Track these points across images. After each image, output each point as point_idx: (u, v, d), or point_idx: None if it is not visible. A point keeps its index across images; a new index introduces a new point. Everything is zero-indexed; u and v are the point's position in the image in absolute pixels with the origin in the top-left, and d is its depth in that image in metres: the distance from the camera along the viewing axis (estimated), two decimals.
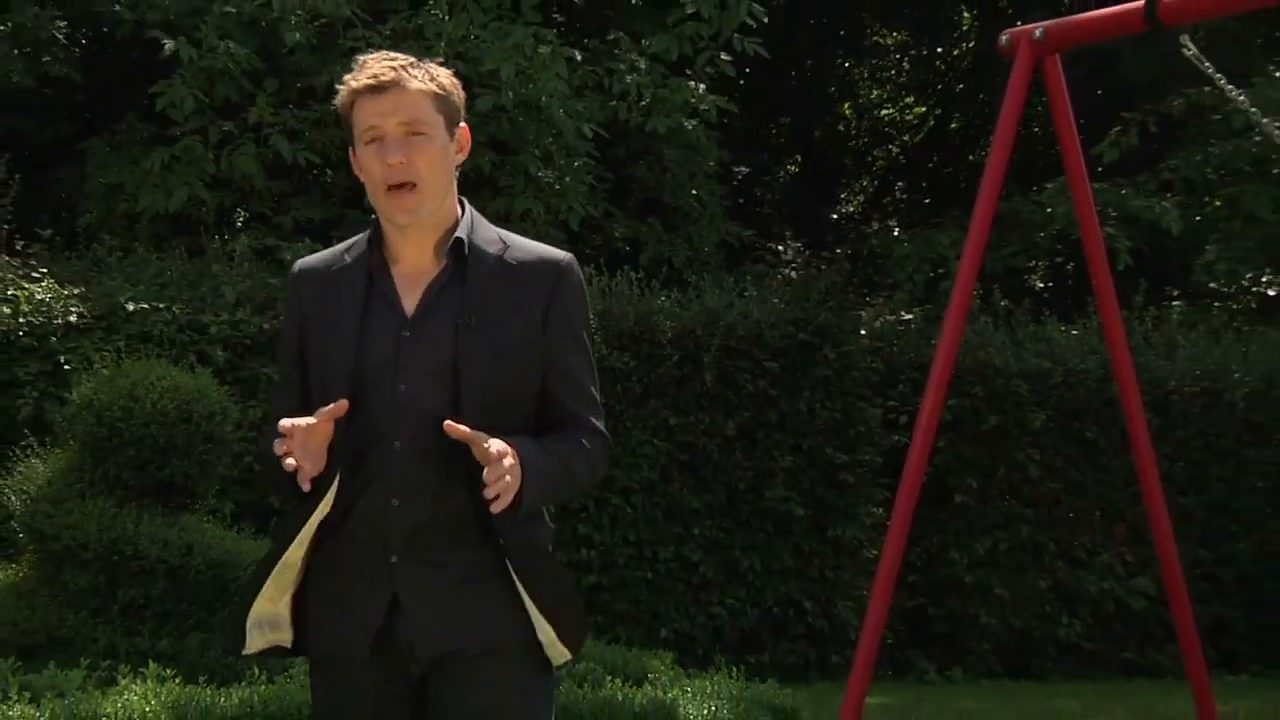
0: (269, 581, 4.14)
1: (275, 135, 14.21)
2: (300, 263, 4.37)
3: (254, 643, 4.21)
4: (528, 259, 4.20)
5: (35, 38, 15.02)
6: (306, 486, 3.90)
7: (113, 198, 14.88)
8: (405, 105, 4.06)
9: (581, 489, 4.35)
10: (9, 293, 12.31)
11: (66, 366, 11.75)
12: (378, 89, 4.07)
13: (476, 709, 4.09)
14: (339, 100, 4.19)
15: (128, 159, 14.74)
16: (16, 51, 15.05)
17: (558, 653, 4.17)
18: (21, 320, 12.18)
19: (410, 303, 4.13)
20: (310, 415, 3.97)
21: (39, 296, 12.38)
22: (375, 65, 4.10)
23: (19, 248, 13.38)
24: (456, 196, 4.24)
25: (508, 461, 3.85)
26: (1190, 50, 8.40)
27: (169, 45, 13.86)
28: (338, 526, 4.08)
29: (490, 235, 4.23)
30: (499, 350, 4.07)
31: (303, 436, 3.87)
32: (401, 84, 4.06)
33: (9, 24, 15.13)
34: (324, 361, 4.14)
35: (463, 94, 4.25)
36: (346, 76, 4.16)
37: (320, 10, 14.24)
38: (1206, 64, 8.58)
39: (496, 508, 3.86)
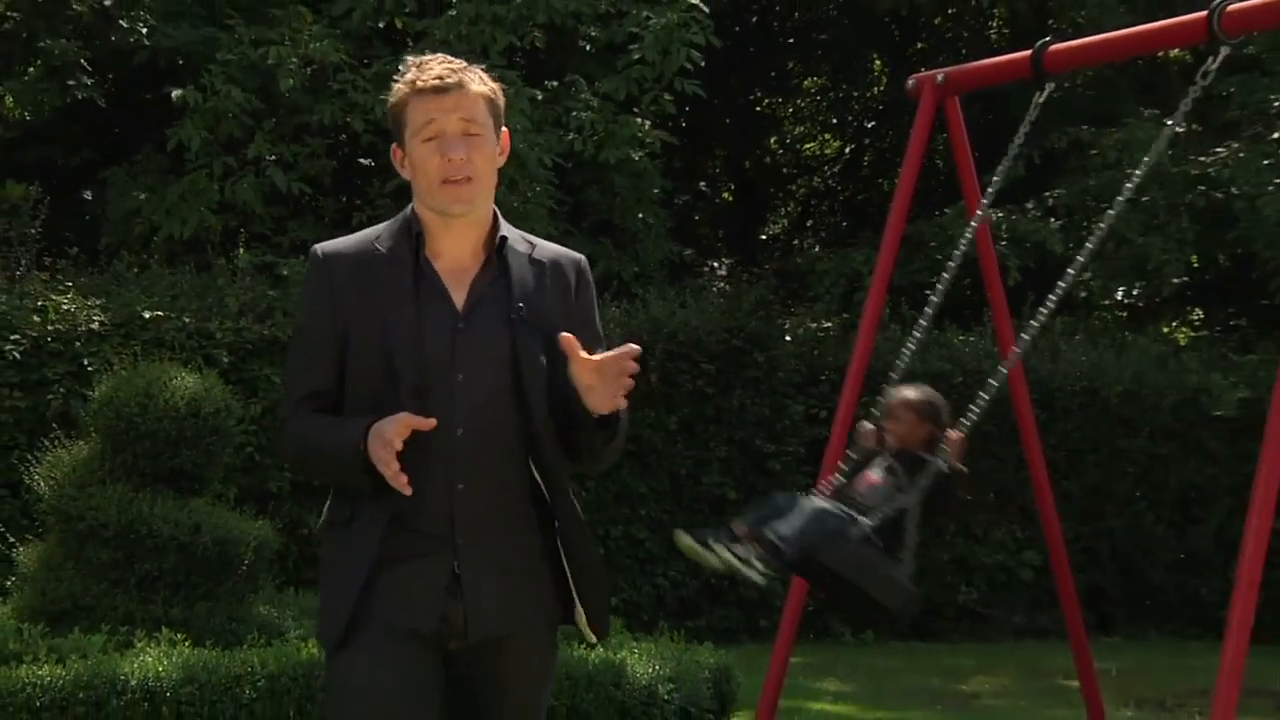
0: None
1: (272, 168, 14.19)
2: (325, 247, 4.08)
3: (335, 629, 3.93)
4: (553, 256, 4.10)
5: (63, 64, 14.94)
6: (410, 492, 3.74)
7: (131, 221, 14.84)
8: (465, 105, 3.92)
9: (619, 453, 4.13)
10: (39, 304, 12.31)
11: (89, 368, 11.73)
12: (441, 89, 3.91)
13: (509, 686, 4.00)
14: (394, 97, 4.01)
15: (144, 187, 14.71)
16: (45, 81, 15.00)
17: (588, 633, 4.08)
18: (50, 328, 12.17)
19: (459, 297, 3.95)
20: (339, 402, 3.94)
21: (65, 307, 12.35)
22: (438, 67, 3.96)
23: (48, 264, 13.35)
24: (494, 199, 4.10)
25: (631, 354, 3.75)
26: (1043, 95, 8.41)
27: (177, 94, 13.82)
28: (403, 511, 3.86)
29: (518, 236, 4.10)
30: (546, 339, 3.91)
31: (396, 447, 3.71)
32: (463, 85, 3.93)
33: (40, 59, 15.06)
34: (381, 351, 3.89)
35: (504, 100, 4.11)
36: (406, 76, 4.00)
37: (312, 56, 14.21)
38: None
39: (619, 403, 3.80)
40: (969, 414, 7.39)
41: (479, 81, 3.98)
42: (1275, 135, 16.93)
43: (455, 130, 3.90)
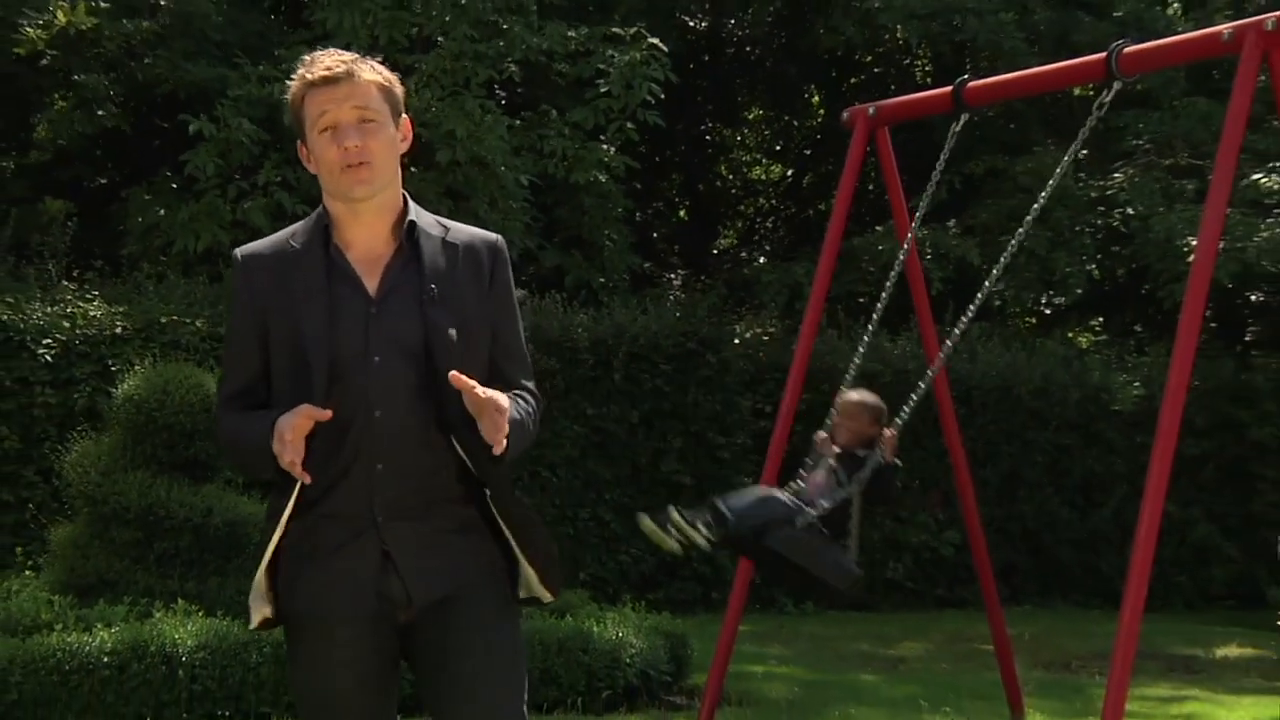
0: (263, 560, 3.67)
1: (278, 191, 14.15)
2: (245, 250, 3.77)
3: (254, 618, 3.71)
4: (467, 239, 3.75)
5: (94, 95, 14.93)
6: (309, 480, 3.49)
7: (150, 236, 14.78)
8: (358, 94, 3.60)
9: (531, 443, 3.81)
10: (68, 310, 12.28)
11: (113, 368, 11.67)
12: (331, 80, 3.61)
13: (471, 646, 3.63)
14: (291, 93, 3.71)
15: (162, 205, 14.66)
16: (77, 110, 14.99)
17: (542, 592, 3.78)
18: (78, 332, 12.13)
19: (371, 283, 3.63)
20: (267, 396, 3.66)
21: (92, 313, 12.32)
22: (327, 59, 3.65)
23: (76, 275, 13.30)
24: (400, 185, 3.75)
25: (505, 407, 3.50)
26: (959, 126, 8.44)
27: (194, 126, 13.79)
28: (325, 495, 3.56)
29: (430, 219, 3.77)
30: (459, 321, 3.61)
31: (298, 440, 3.46)
32: (353, 75, 3.61)
33: (74, 91, 15.04)
34: (296, 343, 3.59)
35: (402, 89, 3.78)
36: (298, 71, 3.71)
37: None
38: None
39: (498, 450, 3.50)
40: (900, 414, 7.40)
41: (371, 71, 3.68)
42: (1166, 162, 17.01)
43: (349, 119, 3.60)
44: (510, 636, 3.71)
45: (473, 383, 3.47)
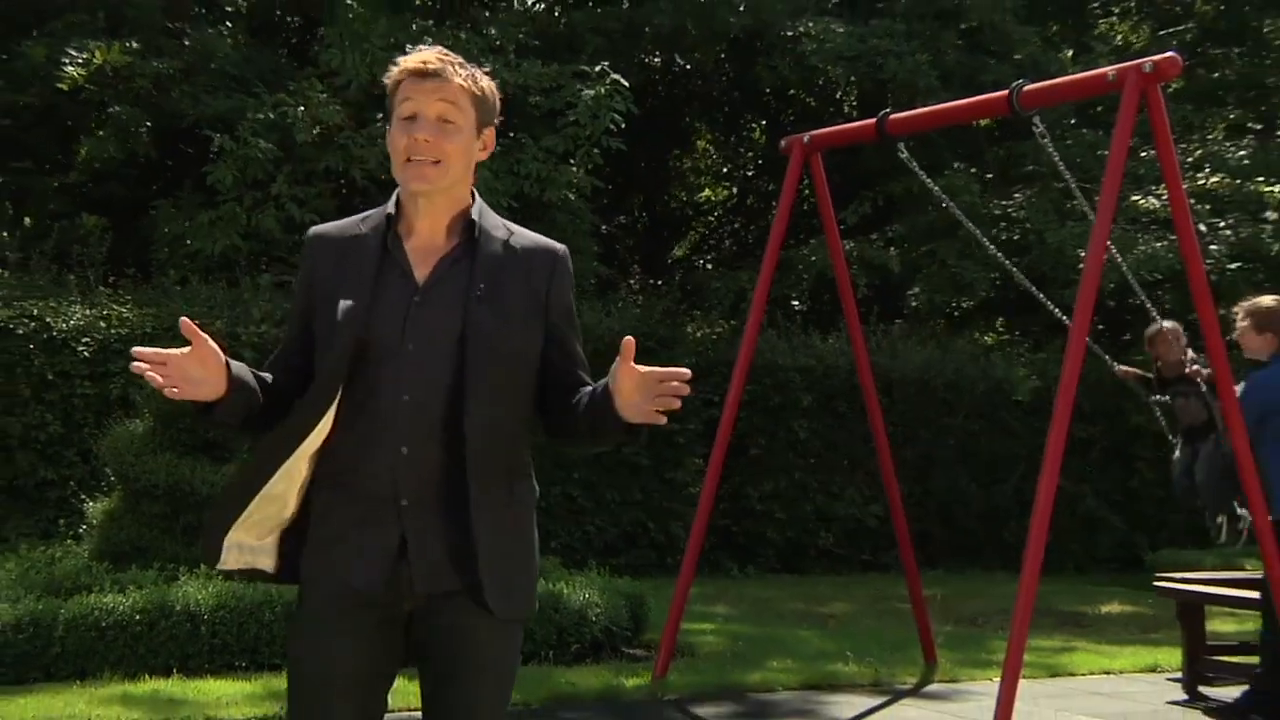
0: (251, 509, 3.28)
1: (289, 203, 14.11)
2: (316, 230, 3.45)
3: (229, 560, 3.31)
4: (531, 245, 3.39)
5: (127, 125, 14.92)
6: (174, 394, 3.17)
7: (175, 245, 14.76)
8: (445, 92, 3.24)
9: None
10: (104, 313, 12.29)
11: None
12: (423, 74, 3.25)
13: (464, 650, 3.21)
14: (389, 79, 3.33)
15: (186, 217, 14.64)
16: (112, 138, 14.99)
17: (516, 605, 3.27)
18: (112, 331, 12.13)
19: (422, 273, 3.26)
20: (301, 365, 3.33)
21: (124, 315, 12.32)
22: (429, 53, 3.29)
23: (110, 281, 13.30)
24: (472, 186, 3.40)
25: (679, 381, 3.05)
26: (904, 154, 8.48)
27: (217, 140, 13.77)
28: (352, 472, 3.21)
29: (497, 222, 3.40)
30: (503, 320, 3.23)
31: (174, 361, 3.18)
32: (444, 75, 3.25)
33: (109, 120, 15.01)
34: (332, 320, 3.24)
35: (498, 102, 3.42)
36: (401, 59, 3.33)
37: (320, 117, 14.15)
38: (915, 166, 8.66)
39: (653, 419, 3.09)
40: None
41: (465, 77, 3.30)
42: (1059, 185, 17.08)
43: (430, 114, 3.25)
44: (507, 641, 3.28)
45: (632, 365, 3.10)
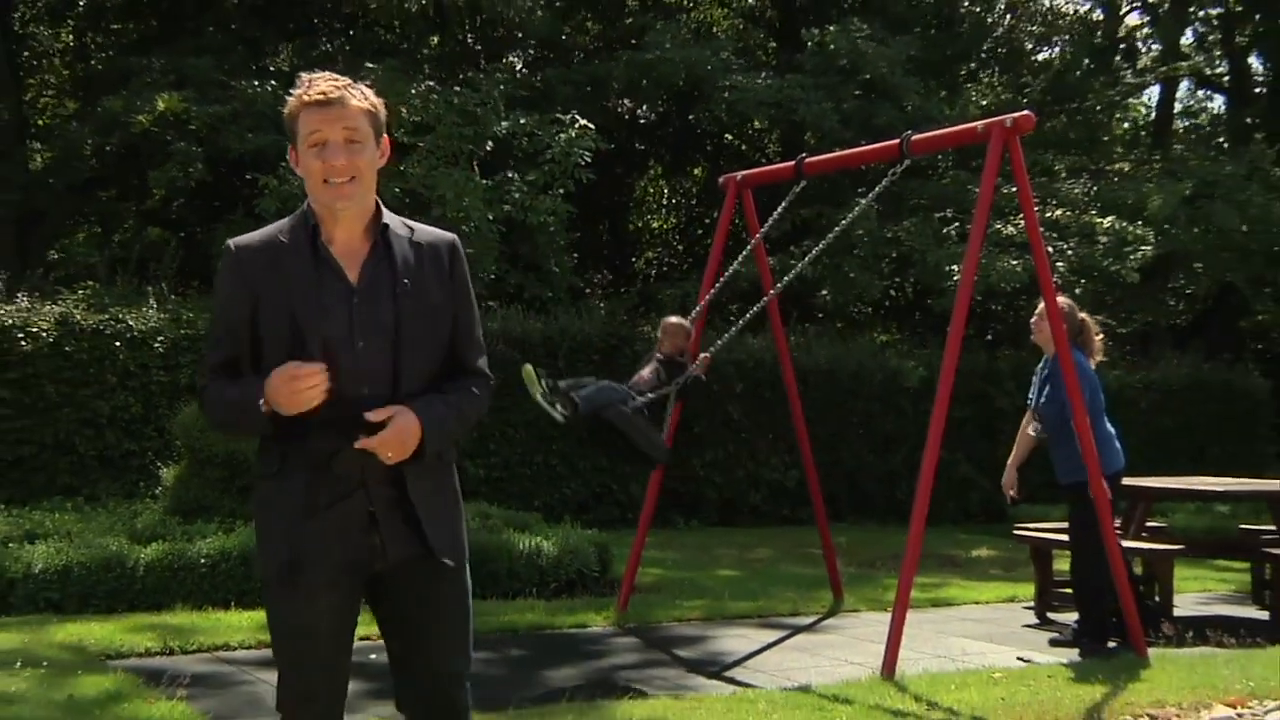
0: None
1: None
2: (238, 242, 3.13)
3: (274, 565, 3.10)
4: (431, 238, 3.18)
5: (186, 159, 14.90)
6: (327, 395, 2.95)
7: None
8: (347, 117, 3.03)
9: (474, 424, 3.25)
10: (175, 316, 12.28)
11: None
12: (325, 104, 3.03)
13: (430, 599, 3.11)
14: (289, 107, 3.10)
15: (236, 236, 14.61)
16: (175, 170, 14.99)
17: (458, 552, 3.17)
18: (182, 331, 12.12)
19: (353, 275, 3.07)
20: (254, 369, 3.04)
21: (191, 317, 12.28)
22: (322, 84, 3.06)
23: (180, 291, 13.30)
24: (375, 193, 3.17)
25: (386, 433, 2.96)
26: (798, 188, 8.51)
27: (263, 181, 13.70)
28: (324, 457, 3.02)
29: (398, 221, 3.19)
30: (426, 309, 3.10)
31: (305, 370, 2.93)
32: (344, 101, 3.04)
33: (172, 155, 15.01)
34: (291, 323, 3.01)
35: (385, 112, 3.18)
36: (296, 90, 3.10)
37: None
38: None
39: (390, 461, 3.00)
40: (713, 348, 8.23)
41: (360, 98, 3.09)
42: (938, 215, 17.20)
43: (338, 139, 3.03)
44: (461, 581, 3.17)
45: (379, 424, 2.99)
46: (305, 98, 3.06)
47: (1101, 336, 8.02)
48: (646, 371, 7.73)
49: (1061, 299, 7.74)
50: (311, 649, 3.05)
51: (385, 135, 3.17)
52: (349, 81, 3.12)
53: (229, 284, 3.10)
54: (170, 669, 6.18)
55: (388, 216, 3.17)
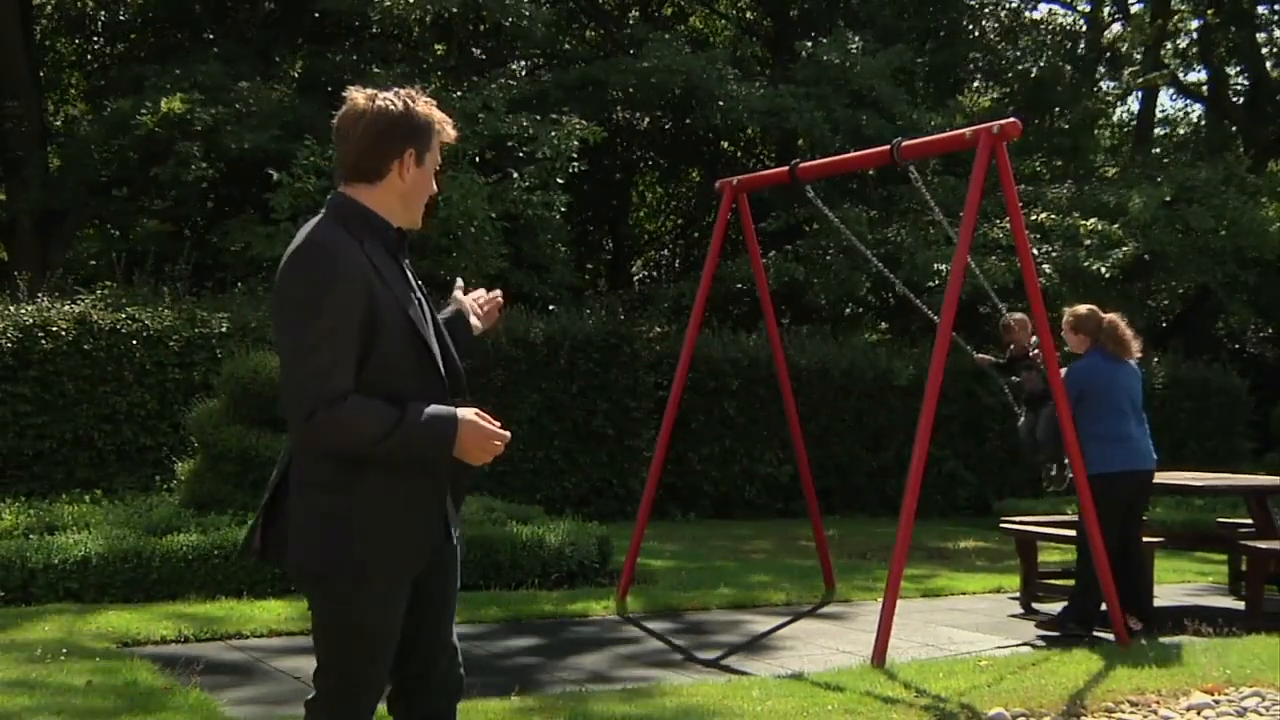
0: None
1: None
2: (338, 245, 2.81)
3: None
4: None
5: (186, 157, 14.91)
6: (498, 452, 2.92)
7: (240, 259, 14.81)
8: None
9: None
10: (189, 315, 12.23)
11: (219, 355, 11.62)
12: (447, 141, 3.00)
13: (447, 589, 3.06)
14: (431, 118, 2.96)
15: (249, 235, 14.57)
16: (180, 169, 14.97)
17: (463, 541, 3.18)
18: (196, 330, 12.07)
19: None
20: (354, 373, 2.79)
21: (204, 317, 12.23)
22: (450, 128, 3.01)
23: (194, 291, 13.29)
24: None
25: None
26: (811, 193, 8.51)
27: (275, 177, 13.69)
28: (452, 470, 2.96)
29: None
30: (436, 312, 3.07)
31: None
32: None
33: (176, 155, 15.00)
34: (407, 329, 2.85)
35: None
36: (436, 114, 2.97)
37: None
38: (824, 207, 8.68)
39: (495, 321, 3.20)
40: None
41: None
42: (927, 219, 17.19)
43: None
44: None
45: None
46: (447, 129, 2.99)
47: (1138, 338, 7.93)
48: (1029, 375, 8.48)
49: (1082, 307, 7.82)
50: (385, 646, 2.96)
51: None
52: None
53: (346, 283, 2.77)
54: (185, 655, 6.19)
55: None
